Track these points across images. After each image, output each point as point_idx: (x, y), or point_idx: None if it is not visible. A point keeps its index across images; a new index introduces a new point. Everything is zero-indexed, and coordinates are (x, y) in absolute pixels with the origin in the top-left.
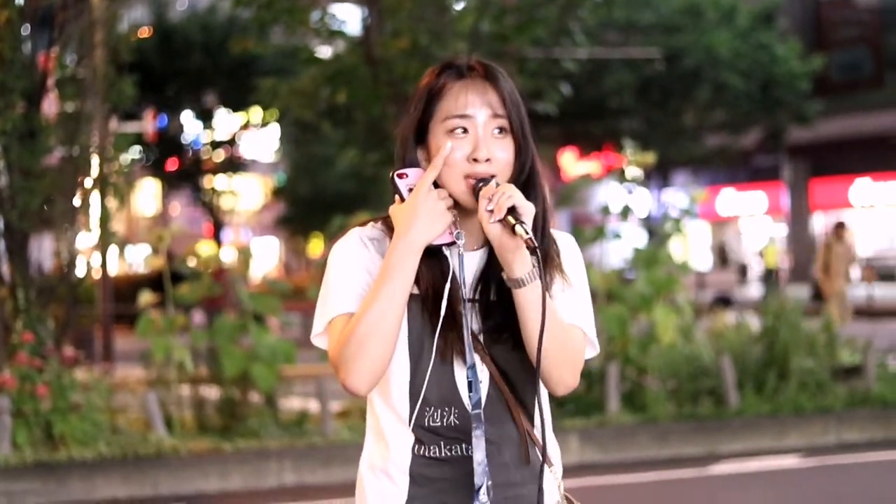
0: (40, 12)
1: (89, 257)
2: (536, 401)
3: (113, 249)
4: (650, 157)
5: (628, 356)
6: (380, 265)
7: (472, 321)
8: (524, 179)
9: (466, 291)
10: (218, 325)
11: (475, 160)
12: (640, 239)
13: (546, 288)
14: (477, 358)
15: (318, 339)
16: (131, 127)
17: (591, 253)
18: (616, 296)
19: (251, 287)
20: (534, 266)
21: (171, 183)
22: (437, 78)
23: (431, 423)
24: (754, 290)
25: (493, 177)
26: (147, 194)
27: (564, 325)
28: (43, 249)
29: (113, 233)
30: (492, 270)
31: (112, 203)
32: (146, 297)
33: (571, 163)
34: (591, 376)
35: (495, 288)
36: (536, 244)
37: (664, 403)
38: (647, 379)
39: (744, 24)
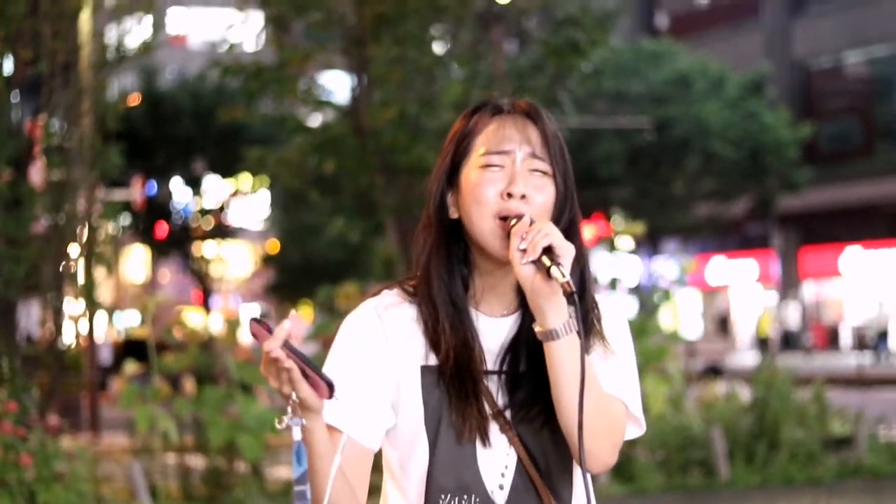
0: (28, 80)
1: (76, 325)
2: (578, 476)
3: (100, 317)
4: (639, 228)
5: None
6: (393, 340)
7: (497, 396)
8: (563, 232)
9: (492, 362)
10: (204, 394)
11: (509, 195)
12: (631, 308)
13: (585, 349)
14: (504, 439)
15: None
16: (119, 194)
17: None
18: None
19: (239, 356)
20: (570, 317)
21: (161, 250)
22: (471, 116)
23: None
24: (745, 358)
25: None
26: (136, 261)
27: (604, 393)
28: (31, 316)
29: (98, 302)
30: (522, 339)
31: (98, 271)
32: (131, 367)
33: None
34: None
35: (526, 358)
36: (575, 289)
37: (654, 474)
38: (636, 450)
39: (733, 94)
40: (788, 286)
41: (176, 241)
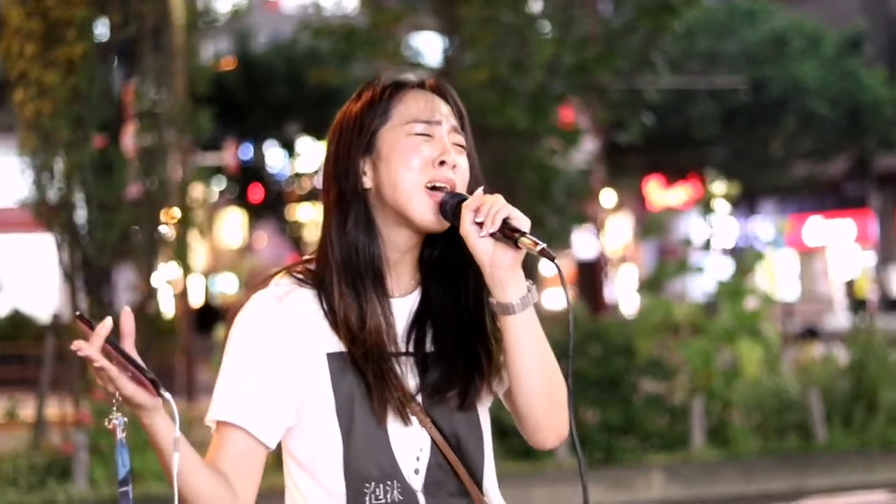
0: (119, 45)
1: (171, 289)
2: (489, 455)
3: (195, 281)
4: (735, 189)
5: (713, 390)
6: (294, 330)
7: (407, 378)
8: None
9: (398, 343)
10: None
11: (442, 163)
12: (726, 270)
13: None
14: (415, 421)
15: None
16: (212, 158)
17: (673, 285)
18: (700, 329)
19: None
20: (528, 290)
21: (257, 213)
22: (382, 88)
23: (374, 502)
24: (842, 320)
25: (455, 190)
26: (232, 225)
27: (556, 364)
28: (121, 282)
29: (192, 266)
30: (427, 318)
31: (192, 235)
32: (223, 331)
33: (657, 192)
34: (675, 411)
35: (432, 337)
36: (554, 255)
37: (749, 438)
38: (731, 413)
39: (829, 52)
40: (887, 247)
41: (271, 205)
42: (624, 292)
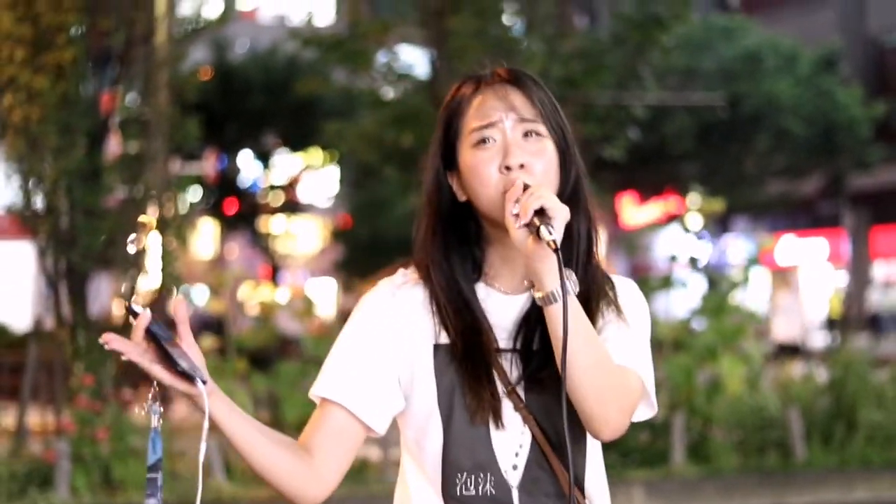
0: (104, 52)
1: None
2: (591, 451)
3: (174, 291)
4: (718, 205)
5: (694, 406)
6: (406, 319)
7: (511, 374)
8: (568, 197)
9: (505, 340)
10: (279, 370)
11: (507, 168)
12: (701, 287)
13: (592, 315)
14: (518, 418)
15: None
16: (192, 168)
17: (656, 302)
18: (682, 345)
19: (313, 331)
20: (567, 279)
21: (229, 225)
22: (454, 96)
23: (464, 493)
24: (818, 339)
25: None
26: (205, 236)
27: (609, 357)
28: (101, 291)
29: (175, 275)
30: (535, 315)
31: (174, 244)
32: (207, 342)
33: (630, 208)
34: (656, 427)
35: (540, 335)
36: (558, 246)
37: (730, 455)
38: (712, 430)
39: (805, 70)
40: (859, 267)
41: (245, 217)
42: None
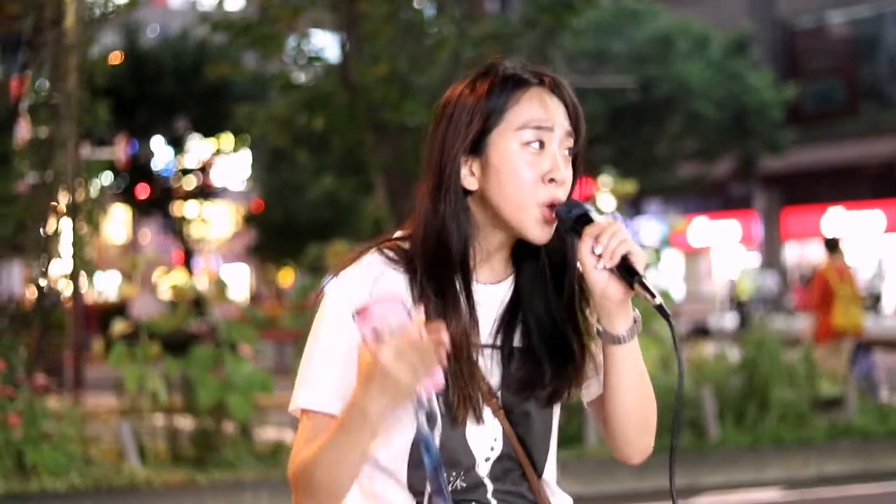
0: (13, 37)
1: (62, 284)
2: (553, 453)
3: (85, 277)
4: (630, 186)
5: None
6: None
7: (491, 373)
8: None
9: (486, 335)
10: (193, 354)
11: (552, 181)
12: None
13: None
14: (489, 412)
15: (293, 412)
16: (103, 153)
17: None
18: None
19: (224, 315)
20: (634, 322)
21: (142, 210)
22: (501, 82)
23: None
24: (727, 320)
25: (581, 208)
26: (117, 221)
27: (650, 387)
28: (12, 276)
29: (87, 260)
30: (518, 310)
31: (85, 230)
32: (119, 326)
33: None
34: (570, 408)
35: (522, 332)
36: (669, 312)
37: None
38: None
39: (716, 54)
40: (770, 248)
41: (157, 202)
42: None
